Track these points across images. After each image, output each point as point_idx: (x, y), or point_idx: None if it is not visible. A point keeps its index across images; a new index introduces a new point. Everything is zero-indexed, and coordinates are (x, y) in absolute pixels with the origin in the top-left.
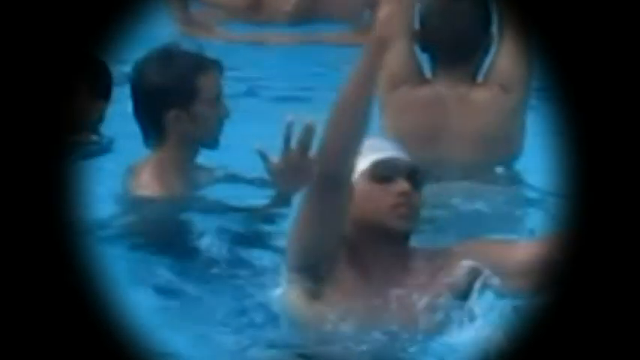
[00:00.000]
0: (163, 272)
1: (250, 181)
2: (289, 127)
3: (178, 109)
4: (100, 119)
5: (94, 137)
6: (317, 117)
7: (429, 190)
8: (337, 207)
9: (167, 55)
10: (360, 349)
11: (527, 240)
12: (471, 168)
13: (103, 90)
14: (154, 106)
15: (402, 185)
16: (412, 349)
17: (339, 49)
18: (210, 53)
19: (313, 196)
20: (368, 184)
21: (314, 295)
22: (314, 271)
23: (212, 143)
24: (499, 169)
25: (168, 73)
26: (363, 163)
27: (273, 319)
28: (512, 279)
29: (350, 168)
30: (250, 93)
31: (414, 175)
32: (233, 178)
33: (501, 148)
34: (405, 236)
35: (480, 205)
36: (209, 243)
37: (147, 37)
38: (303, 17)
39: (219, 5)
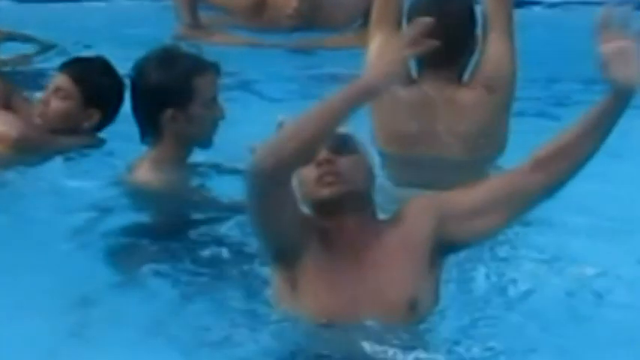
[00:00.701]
0: (157, 266)
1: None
2: (280, 127)
3: (175, 108)
4: (99, 124)
5: (91, 140)
6: None
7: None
8: (282, 194)
9: (167, 56)
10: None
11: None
12: (458, 165)
13: (96, 99)
14: (152, 105)
15: (321, 155)
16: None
17: (334, 54)
18: (210, 56)
19: (257, 191)
20: (299, 170)
21: (293, 284)
22: (290, 254)
23: (206, 143)
24: (484, 166)
25: (167, 73)
26: None
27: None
28: (467, 221)
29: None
30: (245, 94)
31: (338, 143)
32: (226, 174)
33: (486, 147)
34: (346, 204)
35: None
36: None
37: (148, 39)
38: (303, 23)
39: (224, 9)
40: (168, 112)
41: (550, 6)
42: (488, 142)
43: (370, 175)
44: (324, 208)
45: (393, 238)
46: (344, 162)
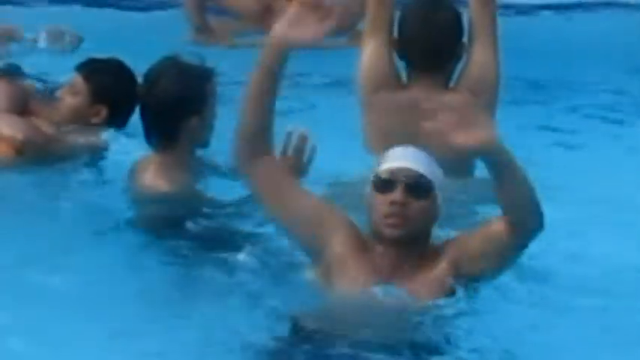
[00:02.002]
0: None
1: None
2: (289, 135)
3: (197, 116)
4: (111, 121)
5: (99, 142)
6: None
7: None
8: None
9: (180, 68)
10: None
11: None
12: (445, 167)
13: (103, 95)
14: (175, 116)
15: (395, 195)
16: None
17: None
18: (215, 59)
19: (246, 182)
20: (373, 194)
21: (325, 278)
22: (316, 256)
23: (207, 143)
24: (470, 168)
25: (187, 84)
26: (373, 173)
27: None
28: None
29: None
30: None
31: (415, 185)
32: (230, 175)
33: None
34: (402, 241)
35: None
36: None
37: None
38: None
39: (233, 14)
40: (194, 120)
41: None
42: None
43: (435, 217)
44: (383, 240)
45: (423, 274)
46: (416, 206)
